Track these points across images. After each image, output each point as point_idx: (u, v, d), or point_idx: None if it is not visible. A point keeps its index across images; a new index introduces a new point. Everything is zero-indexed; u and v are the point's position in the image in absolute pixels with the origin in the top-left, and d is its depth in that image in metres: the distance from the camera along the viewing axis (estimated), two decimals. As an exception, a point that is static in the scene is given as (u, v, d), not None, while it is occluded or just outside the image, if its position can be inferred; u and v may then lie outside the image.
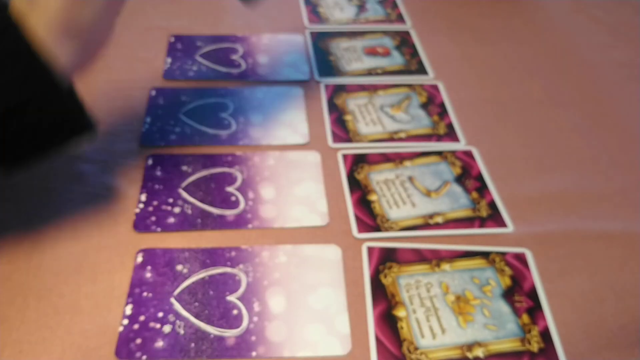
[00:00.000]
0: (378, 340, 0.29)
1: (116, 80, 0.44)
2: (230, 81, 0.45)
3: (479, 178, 0.39)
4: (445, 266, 0.33)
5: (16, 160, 0.28)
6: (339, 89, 0.46)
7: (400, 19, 0.54)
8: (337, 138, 0.41)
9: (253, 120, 0.42)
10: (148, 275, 0.31)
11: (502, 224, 0.36)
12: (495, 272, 0.33)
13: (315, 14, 0.54)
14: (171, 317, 0.30)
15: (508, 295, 0.32)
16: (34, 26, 0.26)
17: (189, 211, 0.35)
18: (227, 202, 0.36)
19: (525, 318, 0.31)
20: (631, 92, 0.48)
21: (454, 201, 0.37)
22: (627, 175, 0.40)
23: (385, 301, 0.31)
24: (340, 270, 0.32)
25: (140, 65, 0.46)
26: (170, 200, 0.35)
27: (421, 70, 0.48)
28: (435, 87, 0.46)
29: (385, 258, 0.33)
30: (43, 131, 0.28)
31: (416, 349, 0.29)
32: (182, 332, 0.29)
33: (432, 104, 0.45)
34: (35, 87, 0.26)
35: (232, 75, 0.46)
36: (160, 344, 0.28)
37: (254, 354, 0.28)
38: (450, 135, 0.42)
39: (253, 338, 0.29)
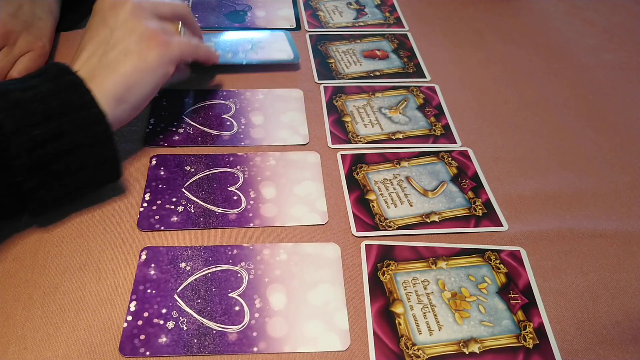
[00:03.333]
0: (376, 336, 0.30)
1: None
2: (232, 74, 0.46)
3: (475, 178, 0.40)
4: (442, 264, 0.34)
5: (48, 204, 0.32)
6: (338, 91, 0.46)
7: (398, 22, 0.55)
8: (336, 139, 0.42)
9: (254, 121, 0.43)
10: (152, 272, 0.32)
11: (497, 222, 0.37)
12: (490, 269, 0.34)
13: (315, 18, 0.55)
14: (174, 314, 0.30)
15: (503, 292, 0.33)
16: (96, 87, 0.32)
17: (192, 210, 0.35)
18: (229, 201, 0.36)
19: (521, 315, 0.31)
20: (624, 93, 0.49)
21: (450, 200, 0.38)
22: (620, 175, 0.41)
23: (383, 298, 0.32)
24: (339, 267, 0.33)
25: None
26: (174, 199, 0.36)
27: (418, 72, 0.49)
28: (432, 89, 0.47)
29: (383, 256, 0.34)
30: (80, 178, 0.32)
31: (413, 344, 0.30)
32: (185, 328, 0.30)
33: (429, 105, 0.46)
34: (82, 136, 0.30)
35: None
36: (163, 339, 0.29)
37: (255, 349, 0.29)
38: (447, 136, 0.43)
39: (254, 334, 0.30)
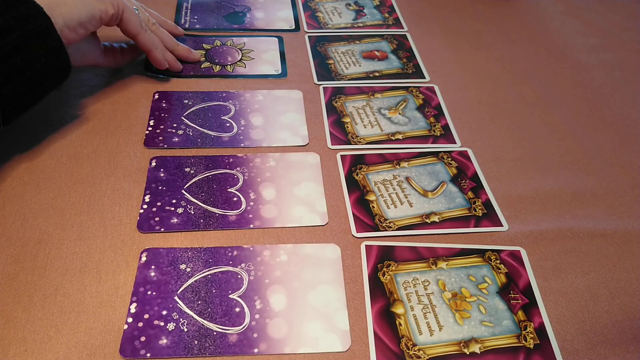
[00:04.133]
0: (377, 336, 0.30)
1: (120, 84, 0.45)
2: (229, 79, 0.46)
3: (475, 178, 0.40)
4: (442, 264, 0.34)
5: (16, 103, 0.34)
6: (338, 92, 0.46)
7: (397, 23, 0.55)
8: (335, 140, 0.42)
9: (254, 122, 0.43)
10: (152, 274, 0.32)
11: (497, 222, 0.37)
12: (491, 269, 0.34)
13: (314, 19, 0.55)
14: (175, 315, 0.30)
15: (504, 292, 0.33)
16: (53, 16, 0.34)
17: (192, 212, 0.35)
18: (229, 202, 0.36)
19: (521, 315, 0.31)
20: (623, 93, 0.49)
21: (450, 201, 0.38)
22: (620, 175, 0.41)
23: (384, 298, 0.32)
24: (340, 268, 0.33)
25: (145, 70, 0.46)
26: (174, 201, 0.36)
27: (417, 73, 0.49)
28: (431, 90, 0.47)
29: (384, 256, 0.34)
30: (37, 70, 0.34)
31: (414, 345, 0.30)
32: (185, 329, 0.30)
33: (429, 106, 0.46)
34: (27, 29, 0.33)
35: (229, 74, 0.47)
36: (164, 341, 0.29)
37: (255, 350, 0.29)
38: (446, 136, 0.43)
39: (255, 335, 0.30)
